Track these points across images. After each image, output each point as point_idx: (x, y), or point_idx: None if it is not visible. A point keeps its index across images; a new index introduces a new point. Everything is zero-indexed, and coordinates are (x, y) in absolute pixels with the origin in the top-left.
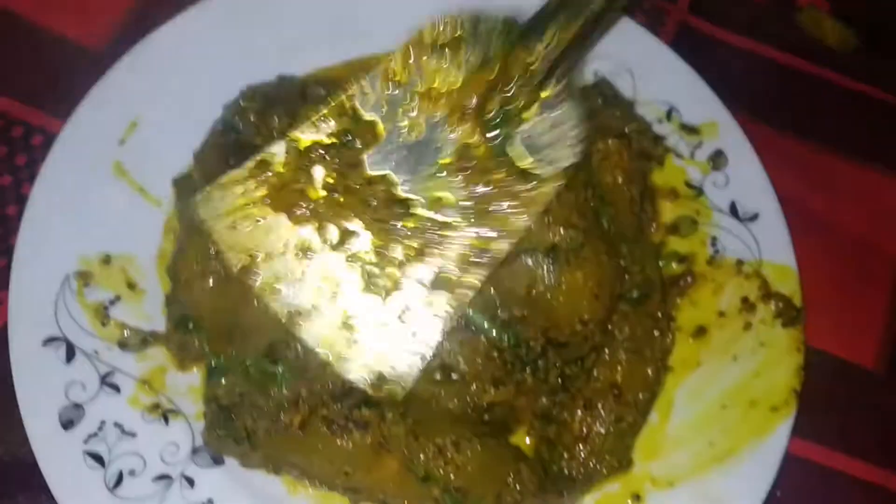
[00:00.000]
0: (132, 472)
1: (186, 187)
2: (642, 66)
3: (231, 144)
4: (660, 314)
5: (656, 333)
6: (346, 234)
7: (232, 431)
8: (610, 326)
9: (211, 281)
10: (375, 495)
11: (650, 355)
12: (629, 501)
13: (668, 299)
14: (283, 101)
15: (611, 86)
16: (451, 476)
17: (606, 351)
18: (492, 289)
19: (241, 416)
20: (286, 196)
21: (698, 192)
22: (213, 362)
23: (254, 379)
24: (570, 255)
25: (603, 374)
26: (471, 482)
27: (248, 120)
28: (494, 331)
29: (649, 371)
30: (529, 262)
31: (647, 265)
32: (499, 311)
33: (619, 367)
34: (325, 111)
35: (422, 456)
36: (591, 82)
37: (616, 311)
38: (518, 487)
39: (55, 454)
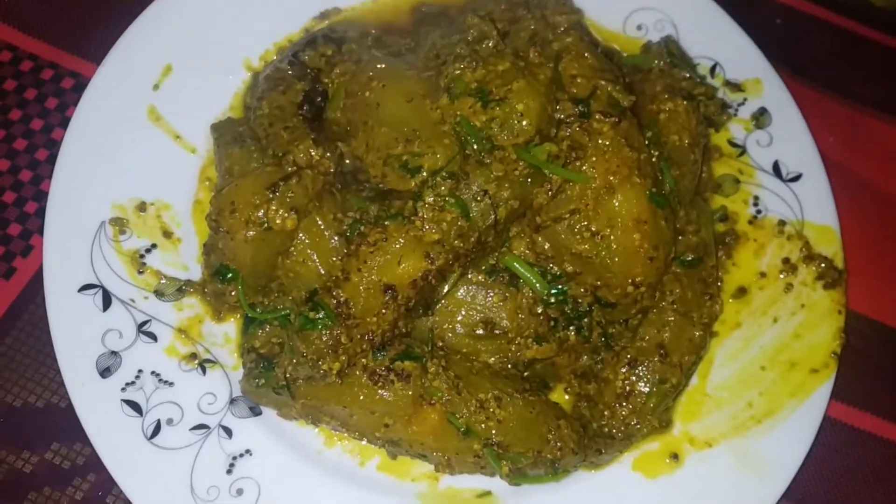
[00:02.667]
0: (170, 421)
1: (225, 133)
2: (686, 19)
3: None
4: (711, 279)
5: (706, 298)
6: None
7: (271, 380)
8: (660, 287)
9: (252, 231)
10: (415, 448)
11: (698, 319)
12: (668, 460)
13: (720, 264)
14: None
15: (677, 45)
16: (493, 431)
17: (654, 311)
18: (546, 243)
19: (280, 365)
20: None
21: (741, 150)
22: (248, 313)
23: (294, 327)
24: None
25: (649, 333)
26: (512, 437)
27: (317, 61)
28: (540, 284)
29: (697, 334)
30: None
31: (703, 228)
32: (550, 266)
33: (666, 329)
34: None
35: (464, 410)
36: (656, 40)
37: (668, 273)
38: (558, 444)
39: (93, 402)
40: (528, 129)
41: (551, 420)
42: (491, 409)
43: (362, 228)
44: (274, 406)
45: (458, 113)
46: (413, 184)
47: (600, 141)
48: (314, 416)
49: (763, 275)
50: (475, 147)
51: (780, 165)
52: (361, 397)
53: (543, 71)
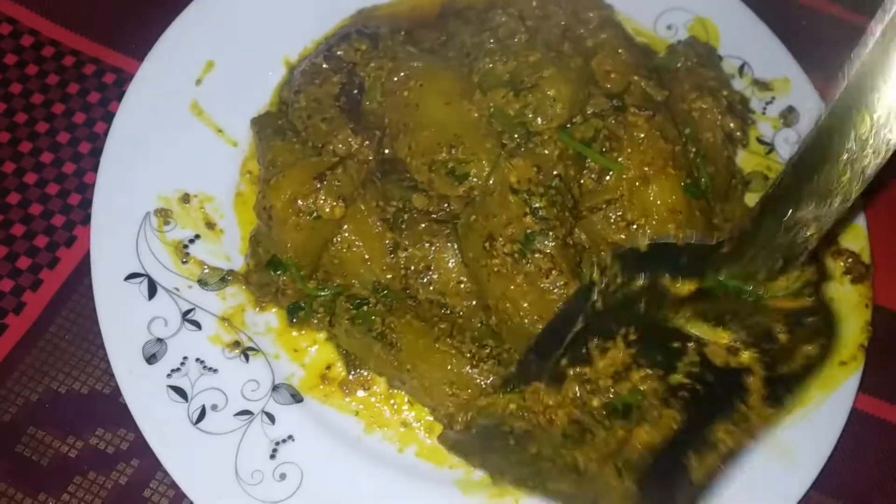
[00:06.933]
0: (214, 407)
1: (265, 126)
2: (716, 20)
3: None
4: None
5: None
6: None
7: (368, 323)
8: None
9: (302, 221)
10: None
11: None
12: None
13: None
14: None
15: (702, 45)
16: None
17: None
18: (583, 234)
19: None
20: None
21: (770, 147)
22: (308, 293)
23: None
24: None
25: None
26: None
27: (352, 55)
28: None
29: None
30: None
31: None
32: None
33: None
34: None
35: None
36: (680, 39)
37: None
38: None
39: (139, 388)
40: (562, 114)
41: None
42: None
43: (405, 216)
44: (357, 350)
45: (491, 104)
46: (461, 190)
47: (635, 133)
48: (396, 367)
49: None
50: (515, 137)
51: None
52: (448, 366)
53: (575, 61)
